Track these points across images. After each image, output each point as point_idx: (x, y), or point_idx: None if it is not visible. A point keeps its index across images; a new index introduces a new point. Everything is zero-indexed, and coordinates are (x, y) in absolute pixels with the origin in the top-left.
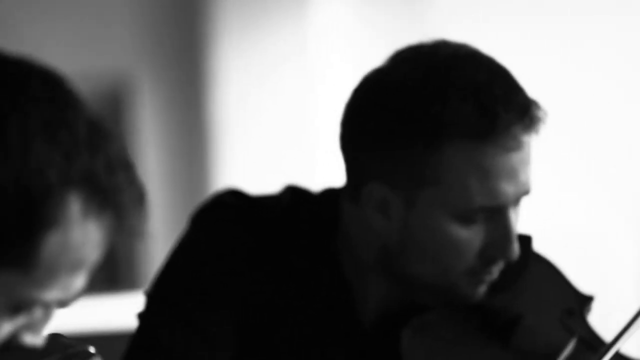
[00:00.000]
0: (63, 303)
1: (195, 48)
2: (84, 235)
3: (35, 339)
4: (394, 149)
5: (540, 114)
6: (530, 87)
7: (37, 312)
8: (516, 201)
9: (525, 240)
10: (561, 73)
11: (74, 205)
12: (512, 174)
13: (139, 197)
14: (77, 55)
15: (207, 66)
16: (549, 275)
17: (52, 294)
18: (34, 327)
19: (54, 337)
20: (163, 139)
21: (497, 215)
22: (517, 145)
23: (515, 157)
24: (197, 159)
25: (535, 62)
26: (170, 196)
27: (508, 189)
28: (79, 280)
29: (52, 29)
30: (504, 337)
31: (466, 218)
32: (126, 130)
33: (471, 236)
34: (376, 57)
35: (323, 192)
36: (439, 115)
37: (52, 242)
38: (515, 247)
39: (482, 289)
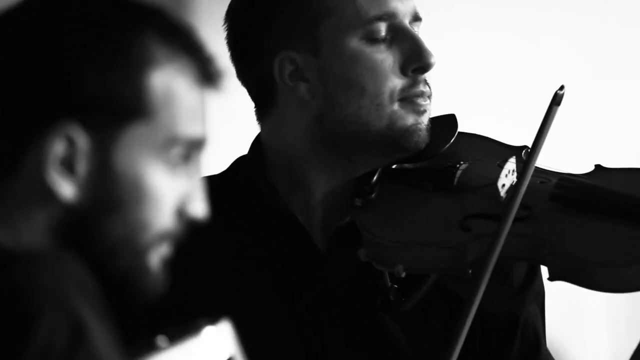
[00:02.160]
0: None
1: None
2: (174, 73)
3: (199, 207)
4: (279, 14)
5: None
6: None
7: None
8: (412, 20)
9: (451, 116)
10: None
11: (155, 47)
12: None
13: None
14: None
15: None
16: (480, 140)
17: (193, 126)
18: (193, 192)
19: None
20: None
21: (398, 31)
22: None
23: None
24: None
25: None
26: None
27: (391, 0)
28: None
29: None
30: (446, 185)
31: (371, 36)
32: None
33: (384, 57)
34: None
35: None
36: None
37: (155, 82)
38: (428, 52)
39: (422, 120)
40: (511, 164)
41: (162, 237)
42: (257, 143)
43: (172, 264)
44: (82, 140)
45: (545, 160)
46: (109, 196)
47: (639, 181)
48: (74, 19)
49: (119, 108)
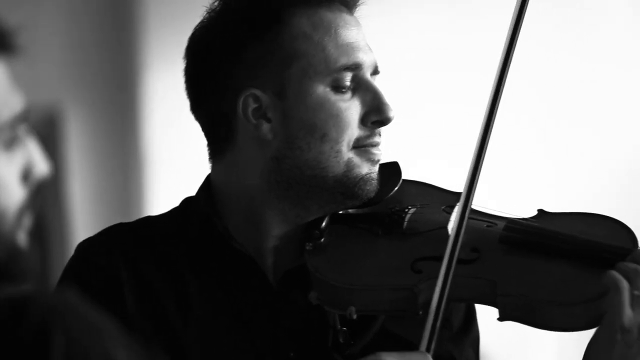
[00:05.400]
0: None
1: (125, 76)
2: None
3: (42, 168)
4: (247, 51)
5: None
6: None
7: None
8: (372, 72)
9: (394, 164)
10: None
11: None
12: (357, 37)
13: None
14: None
15: (137, 93)
16: (423, 187)
17: (10, 106)
18: (32, 158)
19: None
20: (95, 166)
21: (362, 83)
22: (349, 13)
23: (351, 20)
24: (129, 187)
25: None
26: (102, 220)
27: (359, 51)
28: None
29: None
30: (396, 229)
31: (337, 84)
32: (59, 160)
33: (348, 106)
34: None
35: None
36: None
37: None
38: (389, 107)
39: (375, 170)
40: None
41: (20, 213)
42: (207, 183)
43: (137, 297)
44: None
45: (487, 204)
46: None
47: (581, 224)
48: None
49: None
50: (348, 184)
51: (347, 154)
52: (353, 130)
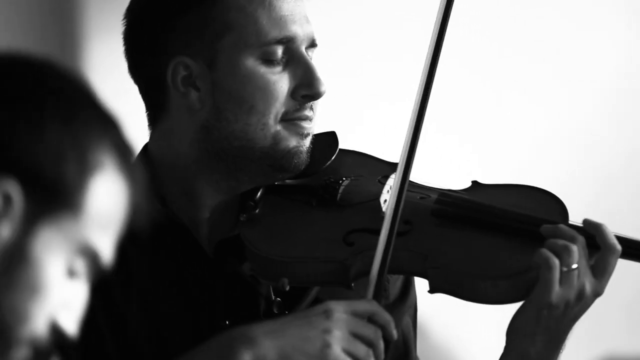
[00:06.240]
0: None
1: (65, 49)
2: (113, 185)
3: (71, 322)
4: (182, 18)
5: None
6: None
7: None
8: (308, 45)
9: (332, 133)
10: None
11: (107, 154)
12: (293, 9)
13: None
14: None
15: (78, 66)
16: (360, 156)
17: (106, 239)
18: (72, 304)
19: None
20: None
21: (295, 56)
22: None
23: None
24: None
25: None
26: None
27: (293, 24)
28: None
29: None
30: (330, 201)
31: (267, 57)
32: None
33: (277, 79)
34: None
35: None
36: None
37: (98, 186)
38: (320, 82)
39: (304, 143)
40: (392, 180)
41: (31, 341)
42: (144, 151)
43: None
44: (18, 201)
45: (423, 176)
46: (6, 273)
47: (513, 196)
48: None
49: (60, 191)
50: (275, 156)
51: (275, 126)
52: (281, 103)
